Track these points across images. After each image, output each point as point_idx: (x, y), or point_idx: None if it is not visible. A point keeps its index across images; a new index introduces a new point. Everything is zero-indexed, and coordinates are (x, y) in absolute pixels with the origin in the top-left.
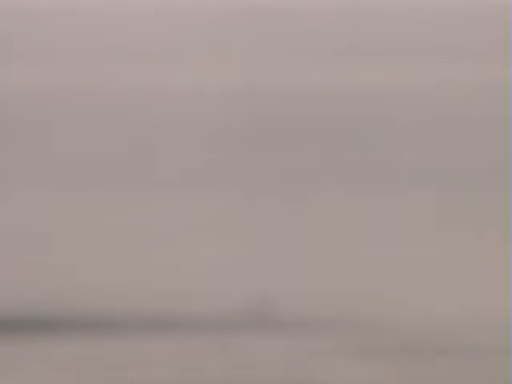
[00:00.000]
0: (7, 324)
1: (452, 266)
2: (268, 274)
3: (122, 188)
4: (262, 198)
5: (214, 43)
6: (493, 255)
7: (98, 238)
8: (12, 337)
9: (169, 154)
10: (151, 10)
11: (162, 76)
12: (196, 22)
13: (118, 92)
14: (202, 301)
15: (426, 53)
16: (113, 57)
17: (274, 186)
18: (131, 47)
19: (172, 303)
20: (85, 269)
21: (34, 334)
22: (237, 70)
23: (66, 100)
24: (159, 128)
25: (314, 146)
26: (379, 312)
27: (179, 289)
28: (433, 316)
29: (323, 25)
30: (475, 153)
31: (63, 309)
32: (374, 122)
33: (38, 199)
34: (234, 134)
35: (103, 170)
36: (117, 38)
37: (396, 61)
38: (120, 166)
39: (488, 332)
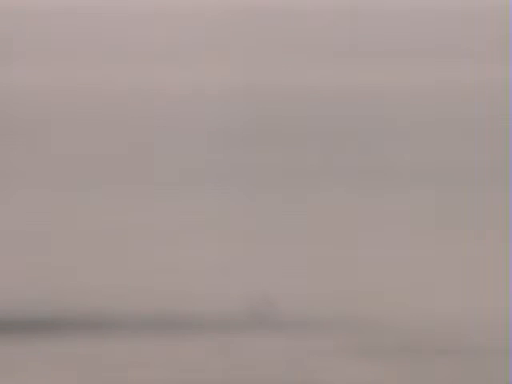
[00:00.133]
0: (7, 324)
1: (452, 266)
2: (268, 273)
3: (122, 188)
4: (262, 198)
5: (214, 43)
6: (493, 255)
7: (98, 238)
8: (12, 337)
9: (169, 154)
10: (151, 10)
11: (161, 76)
12: (196, 22)
13: (118, 92)
14: (202, 301)
15: (426, 53)
16: (113, 57)
17: (274, 185)
18: (131, 47)
19: (172, 303)
20: (85, 269)
21: (34, 334)
22: (237, 70)
23: (66, 100)
24: (159, 128)
25: (314, 146)
26: (379, 312)
27: (179, 289)
28: (433, 316)
29: (323, 25)
30: (475, 153)
31: (63, 309)
32: (374, 122)
33: (38, 199)
34: (234, 133)
35: (103, 170)
36: (117, 38)
37: (396, 61)
38: (120, 166)
39: (488, 332)
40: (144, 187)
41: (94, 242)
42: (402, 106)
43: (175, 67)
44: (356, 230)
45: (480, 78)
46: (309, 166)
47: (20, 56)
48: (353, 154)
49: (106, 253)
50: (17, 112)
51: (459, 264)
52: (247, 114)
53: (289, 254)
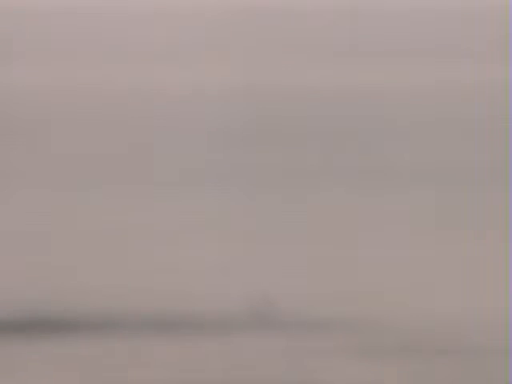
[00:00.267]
0: (7, 324)
1: (452, 266)
2: (268, 273)
3: (122, 188)
4: (262, 198)
5: (214, 43)
6: (493, 255)
7: (98, 238)
8: (12, 337)
9: (169, 154)
10: (151, 10)
11: (162, 76)
12: (196, 22)
13: (118, 92)
14: (202, 301)
15: (426, 53)
16: (113, 57)
17: (274, 185)
18: (131, 47)
19: (172, 303)
20: (85, 269)
21: (34, 334)
22: (237, 70)
23: (66, 100)
24: (159, 128)
25: (314, 146)
26: (379, 312)
27: (179, 289)
28: (433, 316)
29: (323, 25)
30: (475, 153)
31: (63, 309)
32: (374, 122)
33: (38, 199)
34: (234, 133)
35: (103, 170)
36: (117, 38)
37: (396, 61)
38: (120, 166)
39: (488, 332)
40: (144, 187)
41: (94, 242)
42: (402, 106)
43: (175, 67)
44: (356, 230)
45: (480, 78)
46: (309, 166)
47: (20, 56)
48: (353, 154)
49: (106, 253)
50: (17, 112)
51: (459, 264)
52: (247, 114)
53: (289, 253)
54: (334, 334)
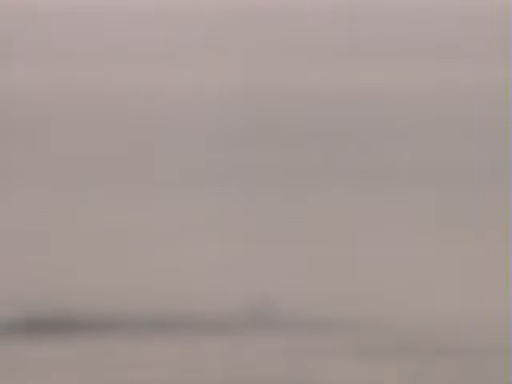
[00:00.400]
0: (8, 324)
1: (452, 266)
2: (268, 273)
3: (122, 188)
4: (262, 198)
5: (214, 43)
6: (493, 255)
7: (98, 238)
8: (12, 337)
9: (169, 154)
10: (151, 10)
11: (162, 76)
12: (196, 22)
13: (118, 92)
14: (202, 301)
15: (426, 53)
16: (113, 57)
17: (274, 185)
18: (131, 47)
19: (172, 303)
20: (85, 269)
21: (34, 334)
22: (237, 70)
23: (66, 100)
24: (159, 128)
25: (314, 146)
26: (379, 312)
27: (179, 289)
28: (433, 316)
29: (323, 25)
30: (475, 153)
31: (63, 309)
32: (374, 122)
33: (38, 199)
34: (234, 133)
35: (103, 170)
36: (117, 38)
37: (396, 61)
38: (120, 166)
39: (488, 332)
40: (144, 187)
41: (94, 242)
42: (402, 106)
43: (175, 67)
44: (356, 230)
45: (480, 78)
46: (309, 166)
47: (20, 56)
48: (353, 153)
49: (106, 253)
50: (17, 112)
51: (459, 264)
52: (247, 114)
53: (289, 253)
54: (334, 334)
